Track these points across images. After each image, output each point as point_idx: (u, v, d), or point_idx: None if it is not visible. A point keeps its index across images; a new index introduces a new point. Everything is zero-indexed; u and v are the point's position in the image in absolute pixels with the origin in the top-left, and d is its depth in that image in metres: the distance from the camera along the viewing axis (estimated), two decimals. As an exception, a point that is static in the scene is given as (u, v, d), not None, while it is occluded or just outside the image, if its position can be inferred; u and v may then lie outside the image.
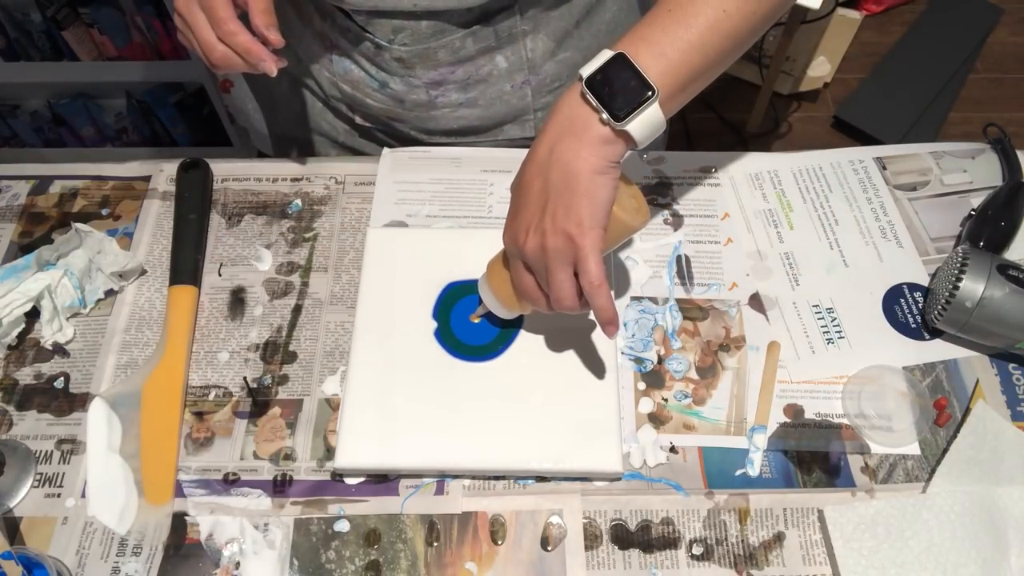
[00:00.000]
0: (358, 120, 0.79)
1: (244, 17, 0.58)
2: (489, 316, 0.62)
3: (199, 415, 0.61)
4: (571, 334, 0.62)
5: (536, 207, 0.50)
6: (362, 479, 0.59)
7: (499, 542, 0.56)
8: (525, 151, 0.75)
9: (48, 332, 0.64)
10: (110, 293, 0.67)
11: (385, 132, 0.79)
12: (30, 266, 0.64)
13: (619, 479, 0.58)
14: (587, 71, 0.49)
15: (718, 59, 0.51)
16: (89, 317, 0.66)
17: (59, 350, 0.64)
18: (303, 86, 0.80)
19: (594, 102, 0.48)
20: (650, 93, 0.48)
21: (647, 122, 0.48)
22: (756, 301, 0.67)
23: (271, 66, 0.59)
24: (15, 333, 0.64)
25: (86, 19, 1.47)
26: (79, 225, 0.66)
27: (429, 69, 0.69)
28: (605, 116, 0.48)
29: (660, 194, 0.73)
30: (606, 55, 0.49)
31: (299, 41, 0.74)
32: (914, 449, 0.60)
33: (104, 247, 0.67)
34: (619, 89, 0.48)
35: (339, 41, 0.71)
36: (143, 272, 0.68)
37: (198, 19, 0.58)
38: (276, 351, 0.64)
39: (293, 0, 0.71)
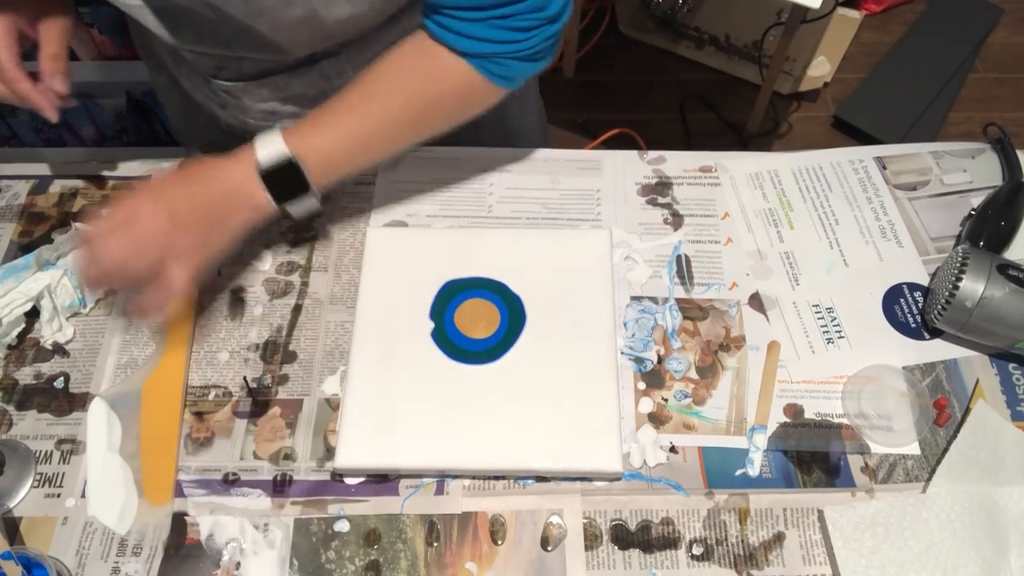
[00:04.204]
0: (222, 124, 0.77)
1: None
2: None
3: (199, 415, 0.61)
4: (571, 335, 0.62)
5: (184, 227, 0.56)
6: (362, 479, 0.59)
7: (499, 542, 0.56)
8: (526, 150, 0.76)
9: (48, 332, 0.64)
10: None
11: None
12: (30, 266, 0.64)
13: (619, 479, 0.58)
14: (264, 161, 0.57)
15: (379, 159, 0.63)
16: (89, 317, 0.66)
17: (59, 350, 0.64)
18: (176, 82, 0.77)
19: (264, 187, 0.57)
20: (311, 191, 0.59)
21: (304, 207, 0.60)
22: (756, 301, 0.67)
23: (50, 115, 0.61)
24: (15, 333, 0.64)
25: (86, 19, 1.47)
26: (79, 224, 0.66)
27: (257, 101, 0.69)
28: (268, 198, 0.58)
29: (660, 194, 0.73)
30: (279, 149, 0.57)
31: (159, 45, 0.72)
32: (914, 449, 0.60)
33: None
34: (286, 185, 0.58)
35: (183, 63, 0.69)
36: None
37: None
38: (276, 351, 0.64)
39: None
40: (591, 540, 0.56)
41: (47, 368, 0.64)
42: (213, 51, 0.63)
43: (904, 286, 0.67)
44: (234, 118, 0.72)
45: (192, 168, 0.59)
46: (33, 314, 0.65)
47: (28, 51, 0.62)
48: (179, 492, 0.58)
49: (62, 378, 0.63)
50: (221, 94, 0.69)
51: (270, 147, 0.58)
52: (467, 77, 0.59)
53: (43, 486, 0.58)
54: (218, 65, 0.65)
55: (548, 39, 0.59)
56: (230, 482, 0.58)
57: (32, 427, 0.61)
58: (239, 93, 0.68)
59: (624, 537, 0.56)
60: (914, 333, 0.65)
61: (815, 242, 0.70)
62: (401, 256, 0.67)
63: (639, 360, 0.64)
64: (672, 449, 0.60)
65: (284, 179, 0.58)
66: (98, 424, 0.59)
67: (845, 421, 0.61)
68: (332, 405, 0.62)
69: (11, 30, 0.60)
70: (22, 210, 0.72)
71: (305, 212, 0.60)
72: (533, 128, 0.90)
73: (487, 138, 0.81)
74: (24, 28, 0.60)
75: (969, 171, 0.74)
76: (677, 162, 0.75)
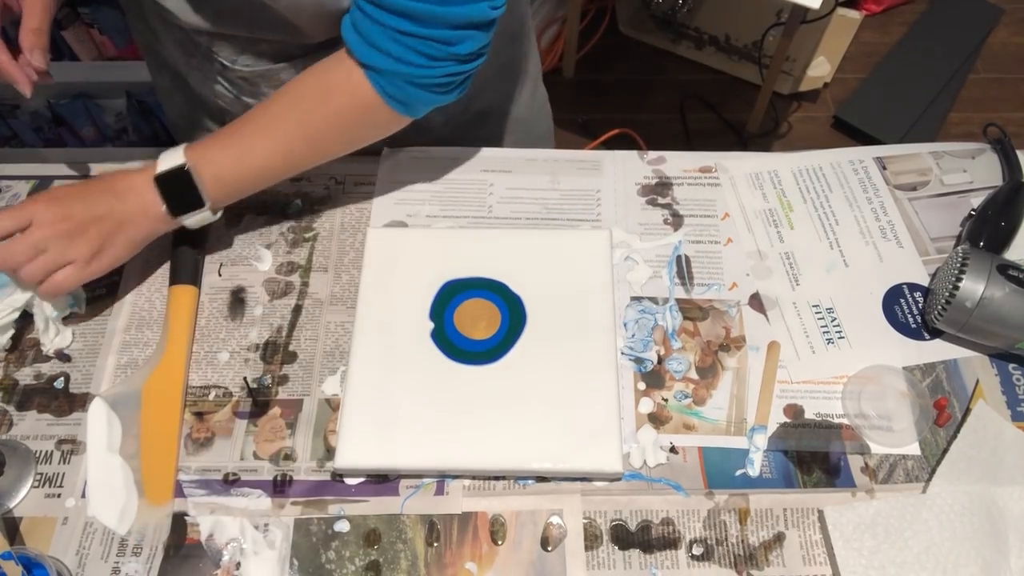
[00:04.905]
0: (228, 120, 0.78)
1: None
2: None
3: (199, 415, 0.61)
4: (571, 335, 0.62)
5: (81, 235, 0.59)
6: (362, 479, 0.59)
7: (499, 542, 0.56)
8: (526, 151, 0.76)
9: (47, 340, 0.64)
10: (111, 288, 0.67)
11: None
12: (7, 283, 0.64)
13: (619, 479, 0.58)
14: (160, 167, 0.60)
15: (278, 177, 0.65)
16: (89, 318, 0.66)
17: (60, 355, 0.64)
18: (182, 81, 0.78)
19: (160, 197, 0.60)
20: (203, 204, 0.61)
21: (198, 219, 0.62)
22: (756, 301, 0.67)
23: (24, 89, 0.59)
24: (5, 340, 0.64)
25: (86, 19, 1.47)
26: None
27: (275, 87, 0.68)
28: (164, 209, 0.60)
29: (660, 194, 0.73)
30: (178, 159, 0.60)
31: (166, 41, 0.71)
32: (914, 449, 0.60)
33: None
34: (179, 194, 0.61)
35: (194, 52, 0.69)
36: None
37: None
38: (276, 351, 0.64)
39: (158, 12, 0.69)
40: (591, 540, 0.56)
41: (47, 368, 0.64)
42: (233, 32, 0.63)
43: (904, 286, 0.67)
44: (247, 109, 0.71)
45: (96, 179, 0.62)
46: (27, 316, 0.65)
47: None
48: (179, 492, 0.58)
49: (62, 378, 0.63)
50: (238, 82, 0.68)
51: (170, 157, 0.60)
52: (363, 94, 0.59)
53: (43, 486, 0.58)
54: (237, 49, 0.65)
55: (454, 75, 0.59)
56: (230, 482, 0.58)
57: (32, 427, 0.61)
58: (257, 79, 0.68)
59: (624, 537, 0.56)
60: (914, 333, 0.65)
61: (815, 242, 0.70)
62: (401, 256, 0.67)
63: (639, 360, 0.64)
64: (672, 449, 0.60)
65: (179, 189, 0.60)
66: (98, 424, 0.59)
67: (845, 421, 0.61)
68: (332, 405, 0.62)
69: None
70: (22, 210, 0.72)
71: (199, 224, 0.63)
72: (540, 120, 0.90)
73: (494, 130, 0.81)
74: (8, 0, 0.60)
75: (969, 171, 0.74)
76: (677, 162, 0.75)
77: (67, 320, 0.66)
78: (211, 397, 0.62)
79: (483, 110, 0.79)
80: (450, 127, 0.76)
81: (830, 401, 0.62)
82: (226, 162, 0.61)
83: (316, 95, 0.61)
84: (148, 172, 0.60)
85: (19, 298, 0.63)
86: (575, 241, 0.68)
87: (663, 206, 0.72)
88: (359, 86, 0.59)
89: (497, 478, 0.59)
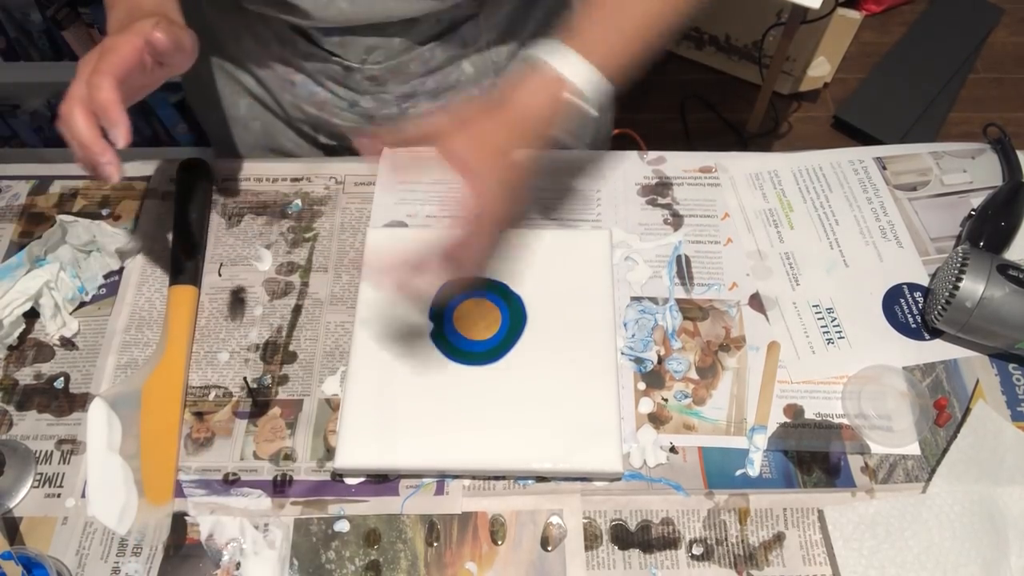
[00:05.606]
0: (322, 139, 0.79)
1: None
2: None
3: (199, 415, 0.61)
4: (571, 335, 0.62)
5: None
6: (362, 479, 0.59)
7: (499, 542, 0.56)
8: (525, 151, 0.76)
9: (53, 328, 0.64)
10: (111, 288, 0.67)
11: (351, 150, 0.78)
12: (23, 263, 0.64)
13: (619, 479, 0.58)
14: (582, 85, 0.53)
15: (649, 49, 0.59)
16: (90, 317, 0.66)
17: (66, 343, 0.64)
18: (262, 107, 0.79)
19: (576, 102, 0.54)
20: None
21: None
22: (756, 301, 0.67)
23: (109, 172, 0.49)
24: (16, 334, 0.64)
25: (86, 19, 1.47)
26: (63, 217, 0.67)
27: (401, 84, 0.69)
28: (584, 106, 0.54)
29: (660, 194, 0.73)
30: (582, 67, 0.53)
31: (256, 65, 0.73)
32: (914, 449, 0.60)
33: (98, 229, 0.67)
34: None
35: (303, 65, 0.69)
36: (140, 250, 0.69)
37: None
38: (276, 351, 0.64)
39: (248, 26, 0.69)
40: (591, 540, 0.56)
41: (47, 368, 0.64)
42: (367, 20, 0.63)
43: (904, 286, 0.67)
44: (361, 117, 0.72)
45: (504, 118, 0.54)
46: (31, 314, 0.65)
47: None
48: (179, 492, 0.58)
49: (62, 378, 0.63)
50: (363, 83, 0.69)
51: (566, 63, 0.53)
52: None
53: (43, 486, 0.58)
54: (368, 48, 0.66)
55: None
56: (230, 482, 0.58)
57: (32, 427, 0.61)
58: (387, 76, 0.68)
59: (624, 537, 0.56)
60: (914, 333, 0.65)
61: (815, 242, 0.70)
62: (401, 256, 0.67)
63: (639, 360, 0.64)
64: (672, 449, 0.60)
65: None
66: (98, 424, 0.59)
67: (845, 421, 0.61)
68: (332, 405, 0.62)
69: (136, 51, 0.50)
70: (22, 210, 0.72)
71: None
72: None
73: None
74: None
75: (969, 171, 0.74)
76: (677, 162, 0.75)
77: (72, 311, 0.66)
78: (211, 397, 0.62)
79: None
80: None
81: (830, 401, 0.62)
82: (619, 58, 0.56)
83: None
84: (554, 93, 0.53)
85: (32, 284, 0.63)
86: (575, 241, 0.68)
87: (663, 206, 0.72)
88: None
89: (497, 478, 0.59)
